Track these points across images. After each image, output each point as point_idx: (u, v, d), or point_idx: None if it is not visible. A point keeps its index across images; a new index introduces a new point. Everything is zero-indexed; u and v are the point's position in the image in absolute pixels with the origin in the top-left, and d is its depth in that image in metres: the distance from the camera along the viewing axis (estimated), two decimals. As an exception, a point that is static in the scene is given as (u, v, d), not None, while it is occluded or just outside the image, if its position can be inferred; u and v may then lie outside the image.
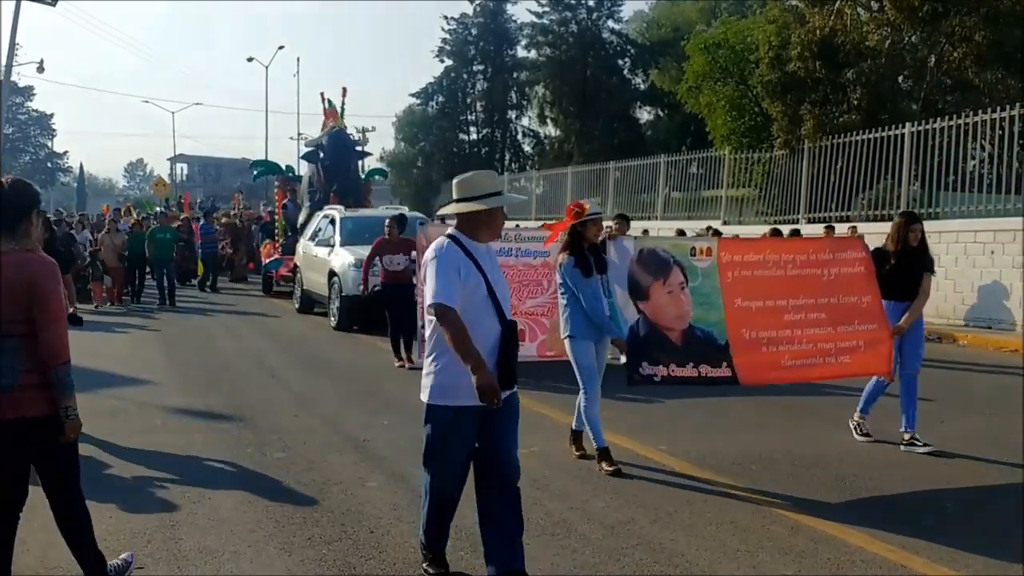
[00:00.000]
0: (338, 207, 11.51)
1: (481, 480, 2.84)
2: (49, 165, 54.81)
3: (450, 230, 2.87)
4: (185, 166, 59.80)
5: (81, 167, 60.34)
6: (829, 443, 4.91)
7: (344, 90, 15.16)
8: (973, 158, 12.16)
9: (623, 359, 7.68)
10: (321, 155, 14.07)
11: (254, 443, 4.82)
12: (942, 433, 5.05)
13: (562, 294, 4.38)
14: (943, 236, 10.47)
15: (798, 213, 13.89)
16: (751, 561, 3.19)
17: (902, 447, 4.71)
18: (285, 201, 15.16)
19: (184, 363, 7.77)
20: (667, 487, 4.07)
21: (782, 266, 4.60)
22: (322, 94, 15.25)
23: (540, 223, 18.16)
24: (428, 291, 2.69)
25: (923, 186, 11.88)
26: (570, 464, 4.47)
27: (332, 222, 10.91)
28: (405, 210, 11.30)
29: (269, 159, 23.39)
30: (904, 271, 4.70)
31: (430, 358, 2.81)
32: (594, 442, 4.34)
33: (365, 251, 9.35)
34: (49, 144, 55.49)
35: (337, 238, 10.40)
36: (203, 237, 15.85)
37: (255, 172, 18.39)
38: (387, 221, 7.61)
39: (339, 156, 13.99)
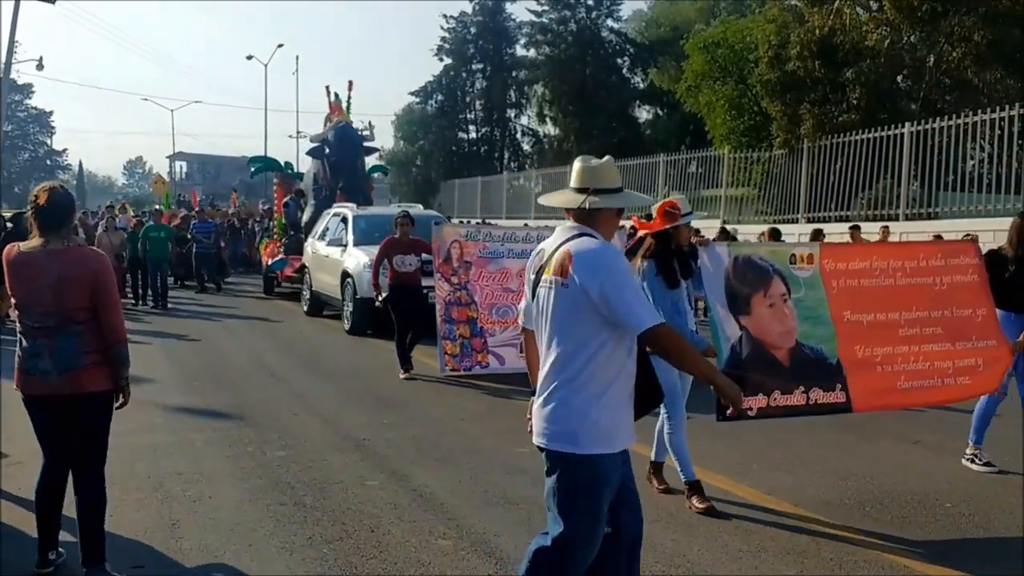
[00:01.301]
0: (349, 205, 11.02)
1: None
2: (48, 163, 54.76)
3: (579, 227, 2.25)
4: (184, 164, 59.67)
5: (80, 165, 60.39)
6: (831, 444, 4.91)
7: (350, 83, 14.54)
8: (972, 158, 12.17)
9: None
10: (327, 151, 13.41)
11: (254, 442, 4.81)
12: (939, 433, 5.05)
13: None
14: (944, 237, 10.47)
15: (798, 212, 13.91)
16: (753, 561, 3.19)
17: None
18: (286, 199, 14.73)
19: (185, 364, 7.74)
20: (669, 486, 4.06)
21: (891, 274, 4.13)
22: (327, 87, 14.71)
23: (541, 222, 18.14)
24: (637, 308, 2.07)
25: (922, 186, 11.89)
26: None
27: (344, 221, 10.48)
28: (419, 207, 10.74)
29: (268, 156, 22.86)
30: None
31: (581, 391, 2.14)
32: (681, 474, 3.80)
33: None
34: (48, 142, 55.48)
35: (350, 237, 9.97)
36: (198, 235, 14.96)
37: (252, 169, 17.85)
38: (399, 220, 7.16)
39: (345, 152, 13.29)
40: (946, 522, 3.65)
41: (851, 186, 12.81)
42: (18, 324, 2.94)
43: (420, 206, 12.84)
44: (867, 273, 4.12)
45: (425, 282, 7.14)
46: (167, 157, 55.21)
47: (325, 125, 14.62)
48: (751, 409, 3.74)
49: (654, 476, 4.01)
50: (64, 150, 57.12)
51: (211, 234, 15.21)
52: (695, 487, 3.75)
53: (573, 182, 2.31)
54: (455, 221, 14.37)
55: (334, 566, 3.09)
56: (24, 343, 2.89)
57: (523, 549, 3.24)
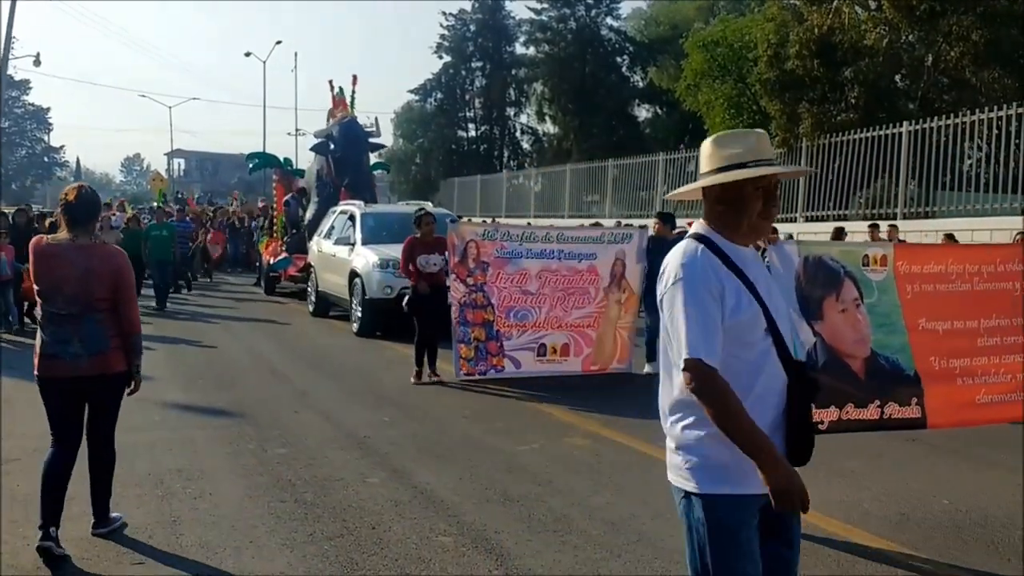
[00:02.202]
0: (357, 203, 10.69)
1: None
2: (45, 159, 54.60)
3: (697, 225, 1.84)
4: (183, 161, 59.64)
5: (78, 161, 60.22)
6: (829, 442, 4.86)
7: (354, 77, 14.06)
8: (970, 157, 12.21)
9: (647, 369, 6.86)
10: (332, 147, 12.93)
11: (255, 439, 4.82)
12: (936, 431, 5.07)
13: None
14: (940, 235, 10.52)
15: (796, 211, 13.94)
16: (751, 557, 3.21)
17: None
18: (287, 197, 14.38)
19: (186, 363, 7.73)
20: (668, 483, 4.08)
21: (967, 279, 3.82)
22: (330, 81, 14.23)
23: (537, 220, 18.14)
24: (679, 334, 1.70)
25: (920, 185, 11.92)
26: (572, 460, 4.49)
27: (351, 219, 10.19)
28: (429, 206, 10.42)
29: (266, 152, 21.90)
30: None
31: (687, 421, 1.77)
32: None
33: (389, 250, 8.57)
34: (45, 138, 55.26)
35: (358, 236, 9.69)
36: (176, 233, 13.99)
37: (251, 165, 17.28)
38: (422, 218, 6.78)
39: (351, 148, 12.81)
40: (944, 519, 3.68)
41: (849, 185, 12.84)
42: (39, 312, 3.20)
43: (431, 203, 12.35)
44: (943, 278, 3.79)
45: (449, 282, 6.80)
46: (165, 154, 55.18)
47: (328, 120, 14.19)
48: (822, 423, 3.49)
49: None
50: (61, 147, 56.86)
51: (187, 233, 14.68)
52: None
53: (702, 165, 1.89)
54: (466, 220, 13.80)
55: (335, 563, 3.10)
56: (47, 330, 3.14)
57: (523, 546, 3.28)
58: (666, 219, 7.18)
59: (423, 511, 3.64)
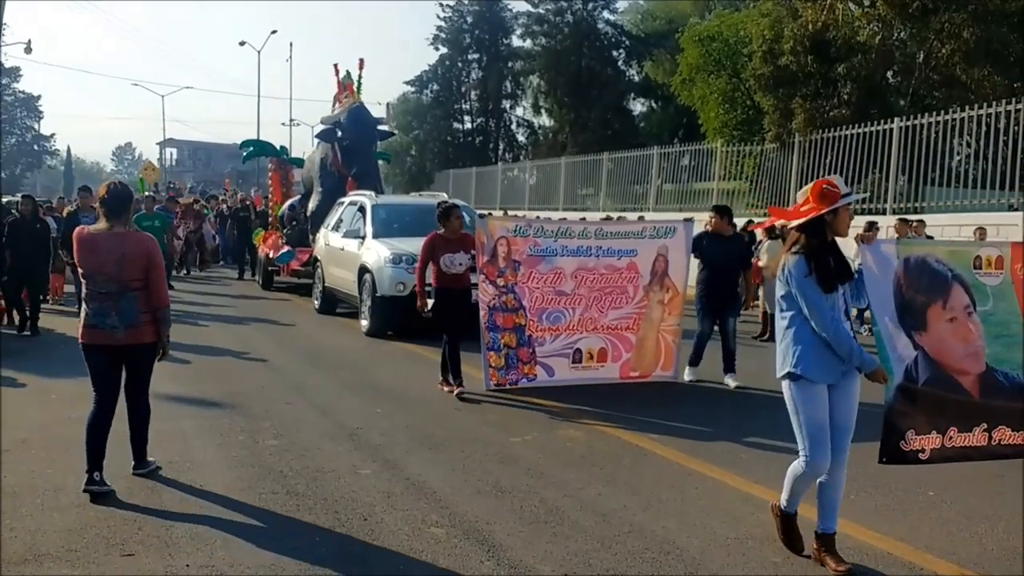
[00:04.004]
0: (367, 193, 10.06)
1: None
2: (36, 148, 54.00)
3: None
4: (175, 151, 59.19)
5: (68, 150, 59.60)
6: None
7: (361, 61, 13.37)
8: (959, 153, 12.31)
9: (732, 384, 6.23)
10: (339, 134, 12.10)
11: (246, 430, 4.81)
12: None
13: (783, 312, 3.04)
14: (929, 230, 10.61)
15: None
16: (741, 548, 3.24)
17: None
18: (291, 201, 13.83)
19: (178, 358, 7.66)
20: (659, 475, 4.12)
21: None
22: (335, 66, 13.33)
23: (535, 214, 18.16)
24: None
25: (910, 180, 12.02)
26: (563, 452, 4.51)
27: (361, 210, 9.58)
28: (443, 196, 9.79)
29: (261, 140, 21.31)
30: None
31: None
32: (783, 503, 3.19)
33: (402, 243, 8.09)
34: (36, 126, 54.62)
35: (369, 229, 9.08)
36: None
37: (245, 153, 16.45)
38: (450, 211, 5.99)
39: (361, 135, 12.02)
40: (928, 509, 3.72)
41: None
42: (84, 290, 3.74)
43: (444, 194, 11.40)
44: None
45: (472, 279, 6.16)
46: (157, 144, 54.75)
47: (334, 107, 13.47)
48: (923, 451, 3.16)
49: (826, 553, 3.05)
50: (52, 135, 56.12)
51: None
52: (791, 519, 3.21)
53: None
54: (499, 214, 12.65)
55: (326, 555, 3.10)
56: (90, 305, 3.69)
57: (515, 537, 3.30)
58: (723, 212, 6.36)
59: (415, 502, 3.65)
